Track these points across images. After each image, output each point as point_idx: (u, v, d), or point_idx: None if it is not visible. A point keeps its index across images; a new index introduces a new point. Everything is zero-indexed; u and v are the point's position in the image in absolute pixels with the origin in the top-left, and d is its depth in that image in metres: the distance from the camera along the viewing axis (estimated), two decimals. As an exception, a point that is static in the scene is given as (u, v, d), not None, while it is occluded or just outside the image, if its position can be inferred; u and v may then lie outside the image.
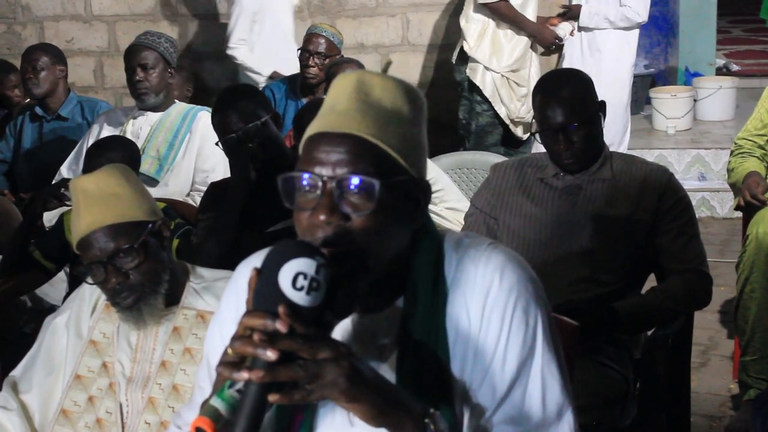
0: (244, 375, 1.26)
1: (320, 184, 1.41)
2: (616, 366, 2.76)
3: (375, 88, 1.47)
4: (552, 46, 5.65)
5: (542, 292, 1.54)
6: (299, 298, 1.29)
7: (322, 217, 1.40)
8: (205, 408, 1.28)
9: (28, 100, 5.25)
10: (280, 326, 1.26)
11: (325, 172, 1.42)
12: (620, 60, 5.77)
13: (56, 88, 4.91)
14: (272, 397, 1.26)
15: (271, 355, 1.25)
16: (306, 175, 1.42)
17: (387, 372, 1.47)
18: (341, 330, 1.49)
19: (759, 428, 2.09)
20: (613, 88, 5.67)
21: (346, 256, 1.39)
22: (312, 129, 1.46)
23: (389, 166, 1.44)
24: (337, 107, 1.46)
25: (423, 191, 1.50)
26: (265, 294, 1.30)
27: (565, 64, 5.79)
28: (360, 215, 1.41)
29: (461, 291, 1.49)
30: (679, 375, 3.02)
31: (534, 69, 5.49)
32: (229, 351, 1.29)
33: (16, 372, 2.35)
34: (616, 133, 5.81)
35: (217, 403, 1.28)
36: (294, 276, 1.29)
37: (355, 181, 1.40)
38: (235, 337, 1.29)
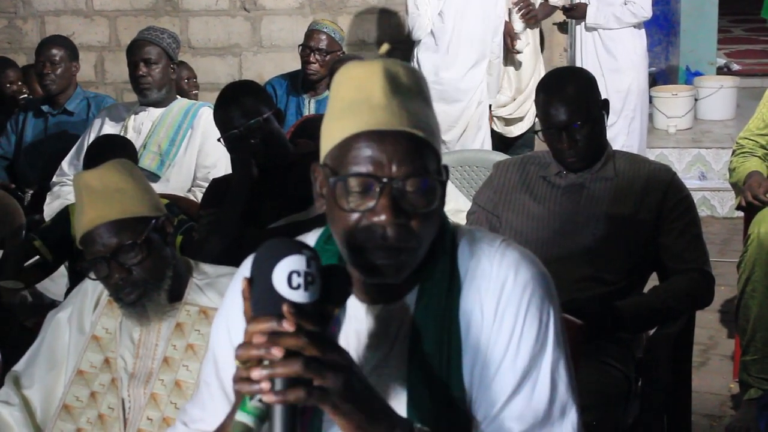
0: (263, 386, 1.24)
1: (379, 184, 1.40)
2: (618, 365, 2.76)
3: (401, 77, 1.46)
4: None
5: (554, 290, 1.54)
6: (298, 296, 1.27)
7: (383, 217, 1.39)
8: (234, 426, 1.27)
9: (26, 95, 5.23)
10: (288, 326, 1.25)
11: (384, 172, 1.40)
12: (636, 50, 5.79)
13: (70, 84, 4.91)
14: (267, 398, 1.24)
15: (276, 353, 1.24)
16: (364, 176, 1.40)
17: (398, 363, 1.48)
18: (355, 321, 1.50)
19: (763, 428, 2.09)
20: (635, 79, 5.74)
21: (405, 254, 1.41)
22: (352, 127, 1.42)
23: (436, 160, 1.45)
24: (373, 101, 1.42)
25: (447, 176, 1.51)
26: (264, 301, 1.28)
27: (579, 62, 5.82)
28: (421, 214, 1.42)
29: (475, 285, 1.49)
30: (681, 374, 3.02)
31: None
32: (237, 363, 1.27)
33: (18, 367, 2.35)
34: (641, 123, 5.87)
35: (243, 417, 1.26)
36: (288, 276, 1.27)
37: (418, 182, 1.41)
38: (241, 345, 1.27)
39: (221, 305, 1.66)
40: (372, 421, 1.32)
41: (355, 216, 1.41)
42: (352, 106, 1.43)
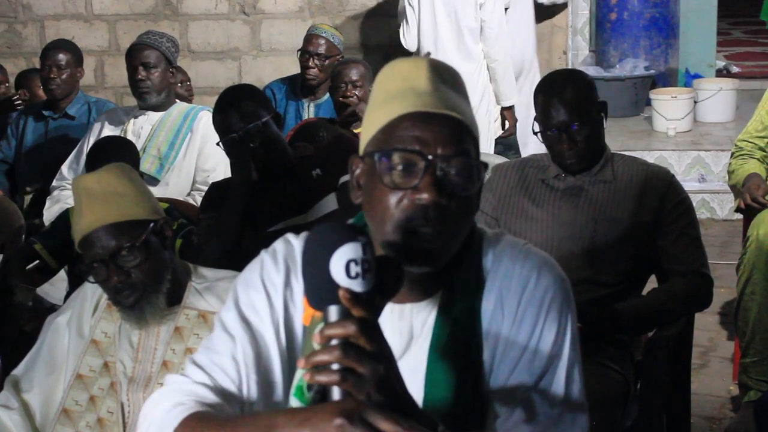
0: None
1: (424, 161, 1.41)
2: (617, 367, 2.76)
3: (443, 73, 1.49)
4: None
5: (572, 296, 1.56)
6: (357, 285, 1.27)
7: (426, 196, 1.40)
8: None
9: (17, 98, 5.23)
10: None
11: (429, 150, 1.42)
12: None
13: (74, 89, 4.90)
14: (307, 377, 1.25)
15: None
16: (410, 152, 1.41)
17: (418, 361, 1.49)
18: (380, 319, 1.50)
19: (762, 430, 2.09)
20: None
21: (443, 238, 1.42)
22: (398, 110, 1.44)
23: (476, 148, 1.47)
24: (419, 88, 1.45)
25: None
26: (319, 289, 1.28)
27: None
28: (461, 196, 1.43)
29: (497, 285, 1.51)
30: (680, 376, 3.02)
31: None
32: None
33: (17, 371, 2.36)
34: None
35: (296, 404, 1.27)
36: (346, 265, 1.27)
37: (463, 161, 1.42)
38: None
39: (219, 309, 1.61)
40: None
41: (397, 194, 1.42)
42: (397, 94, 1.46)
